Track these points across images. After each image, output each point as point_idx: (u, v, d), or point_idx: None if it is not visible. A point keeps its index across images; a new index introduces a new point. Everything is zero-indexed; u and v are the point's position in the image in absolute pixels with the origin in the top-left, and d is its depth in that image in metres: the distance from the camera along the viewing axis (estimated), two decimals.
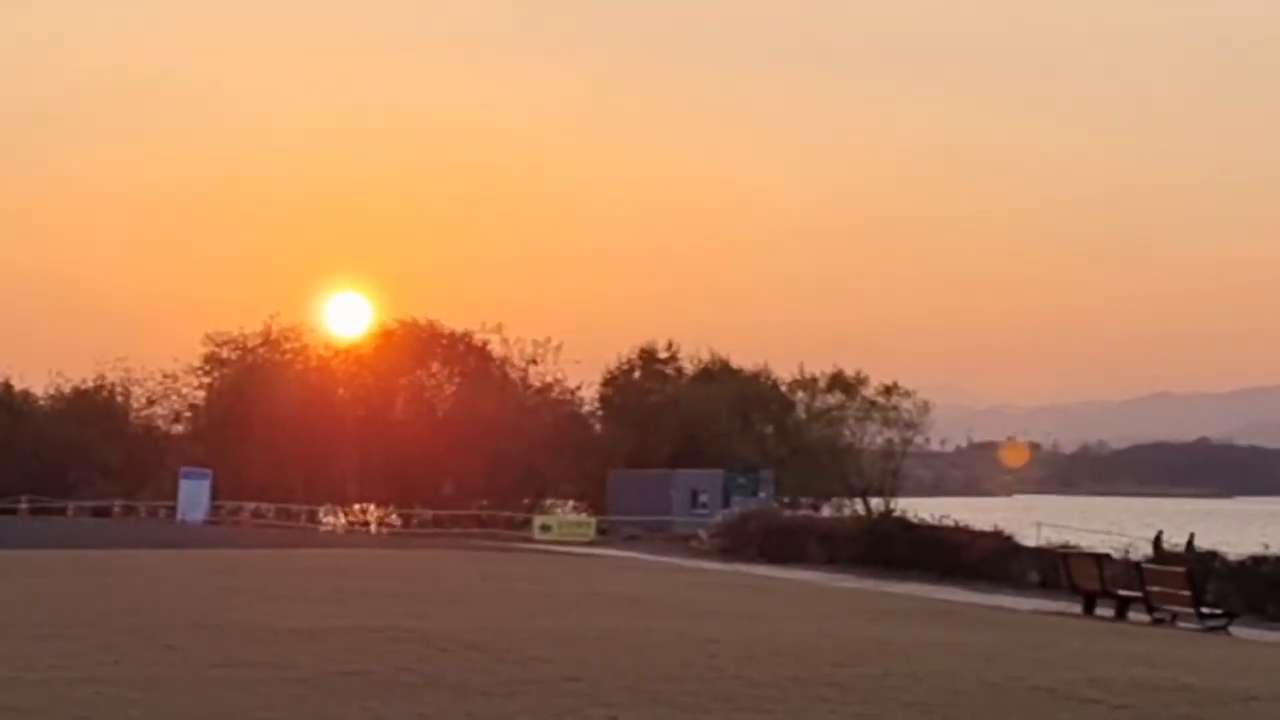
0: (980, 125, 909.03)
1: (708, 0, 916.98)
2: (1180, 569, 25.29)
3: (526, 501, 67.00)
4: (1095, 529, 50.15)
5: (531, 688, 11.23)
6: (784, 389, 76.01)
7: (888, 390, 74.46)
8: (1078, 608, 26.36)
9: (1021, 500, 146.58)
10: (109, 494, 66.20)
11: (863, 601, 25.14)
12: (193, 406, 73.52)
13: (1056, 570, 29.77)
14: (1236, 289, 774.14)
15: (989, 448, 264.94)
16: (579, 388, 73.31)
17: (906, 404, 74.61)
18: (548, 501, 69.85)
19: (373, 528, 64.99)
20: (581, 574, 29.85)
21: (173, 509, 61.31)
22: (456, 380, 71.54)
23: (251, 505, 63.10)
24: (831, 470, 71.83)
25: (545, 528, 55.51)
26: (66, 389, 74.28)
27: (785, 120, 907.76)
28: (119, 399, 74.03)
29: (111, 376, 73.60)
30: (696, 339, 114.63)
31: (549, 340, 72.30)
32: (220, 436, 68.13)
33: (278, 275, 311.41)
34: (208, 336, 72.79)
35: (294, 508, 62.97)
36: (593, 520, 58.22)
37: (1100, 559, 27.81)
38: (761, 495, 59.00)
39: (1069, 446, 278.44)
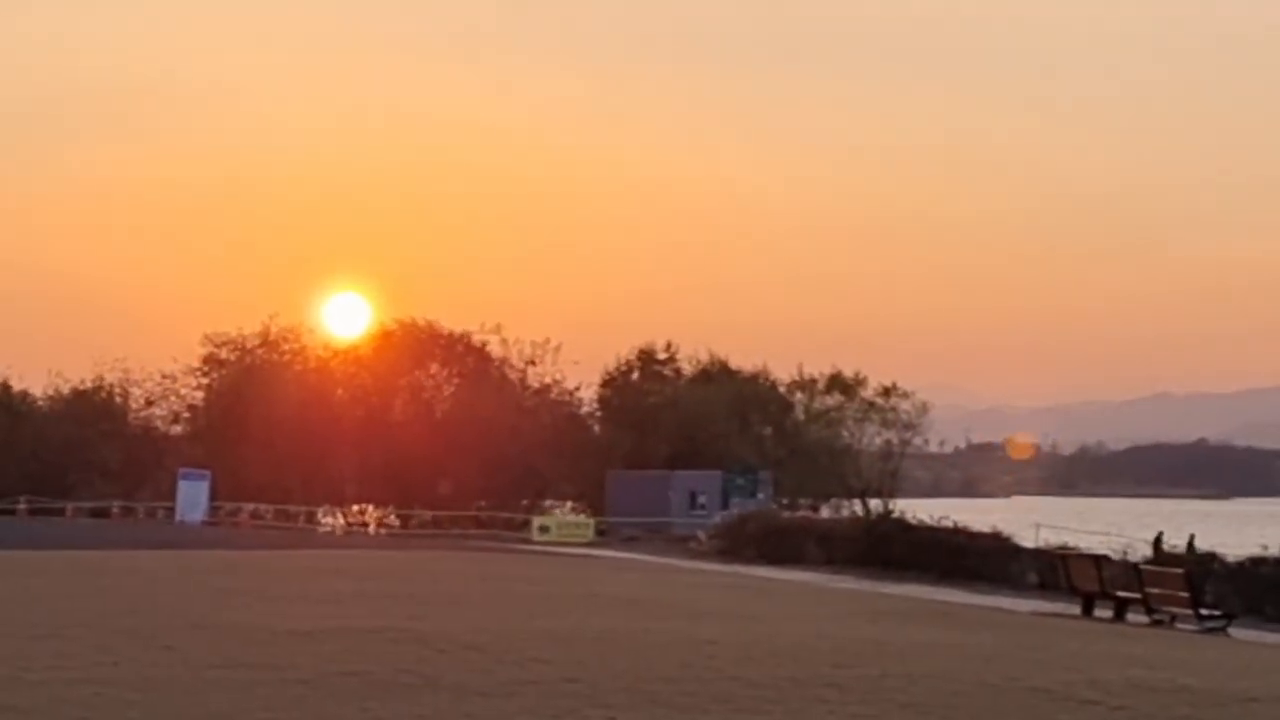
0: (980, 125, 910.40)
1: (707, 0, 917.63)
2: (1179, 570, 25.31)
3: (525, 502, 67.02)
4: (1094, 530, 50.18)
5: (530, 689, 11.23)
6: (782, 390, 76.07)
7: (886, 391, 74.53)
8: (1076, 609, 26.36)
9: (1020, 501, 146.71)
10: (107, 495, 66.18)
11: (861, 602, 25.14)
12: (191, 407, 73.54)
13: (1055, 571, 29.79)
14: (1236, 289, 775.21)
15: (988, 449, 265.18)
16: (578, 388, 73.46)
17: (905, 405, 74.75)
18: (546, 502, 69.87)
19: (371, 528, 64.96)
20: (580, 575, 29.83)
21: (171, 510, 61.29)
22: (455, 381, 71.57)
23: (250, 506, 63.09)
24: (830, 471, 71.85)
25: (544, 529, 55.51)
26: (65, 389, 74.36)
27: (785, 120, 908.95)
28: (118, 399, 74.04)
29: (110, 377, 73.71)
30: (695, 340, 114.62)
31: (548, 341, 72.45)
32: (219, 437, 68.12)
33: (276, 275, 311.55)
34: (206, 337, 72.94)
35: (292, 508, 62.98)
36: (591, 521, 58.23)
37: (1099, 560, 27.83)
38: (760, 496, 59.02)
39: (1068, 447, 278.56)
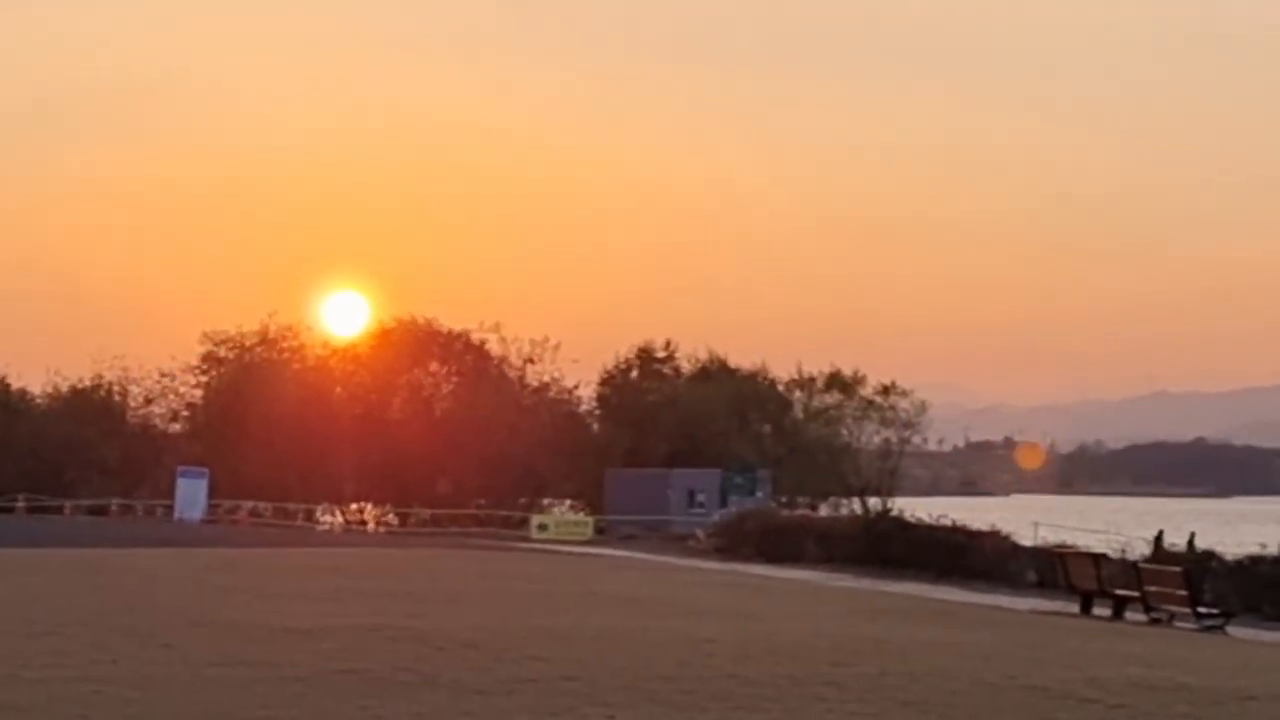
0: (980, 125, 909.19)
1: (707, 0, 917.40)
2: (1177, 569, 25.31)
3: (524, 500, 67.06)
4: (1092, 529, 50.23)
5: (529, 687, 11.22)
6: (781, 388, 76.12)
7: (885, 390, 74.58)
8: (1075, 607, 26.37)
9: (1019, 500, 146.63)
10: (106, 492, 66.21)
11: (860, 601, 25.14)
12: (190, 405, 73.57)
13: (1054, 570, 29.80)
14: (1235, 289, 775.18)
15: (986, 447, 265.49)
16: (576, 387, 73.51)
17: (904, 403, 74.83)
18: (545, 501, 69.91)
19: (370, 527, 64.98)
20: (579, 573, 29.84)
21: (170, 508, 61.32)
22: (454, 379, 71.60)
23: (249, 504, 63.08)
24: (829, 470, 71.90)
25: (542, 527, 55.53)
26: (64, 387, 74.41)
27: (785, 120, 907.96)
28: (116, 398, 74.07)
29: (109, 375, 73.77)
30: (694, 338, 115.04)
31: (547, 339, 72.50)
32: (218, 435, 68.14)
33: (275, 274, 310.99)
34: (205, 335, 73.00)
35: (291, 506, 63.01)
36: (590, 519, 58.24)
37: (1097, 559, 27.84)
38: (759, 495, 59.04)
39: (1066, 446, 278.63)
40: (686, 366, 75.62)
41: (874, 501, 61.77)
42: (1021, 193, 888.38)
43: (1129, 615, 24.96)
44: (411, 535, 55.23)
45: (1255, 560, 30.23)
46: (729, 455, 64.45)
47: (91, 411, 71.92)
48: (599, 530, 55.92)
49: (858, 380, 74.94)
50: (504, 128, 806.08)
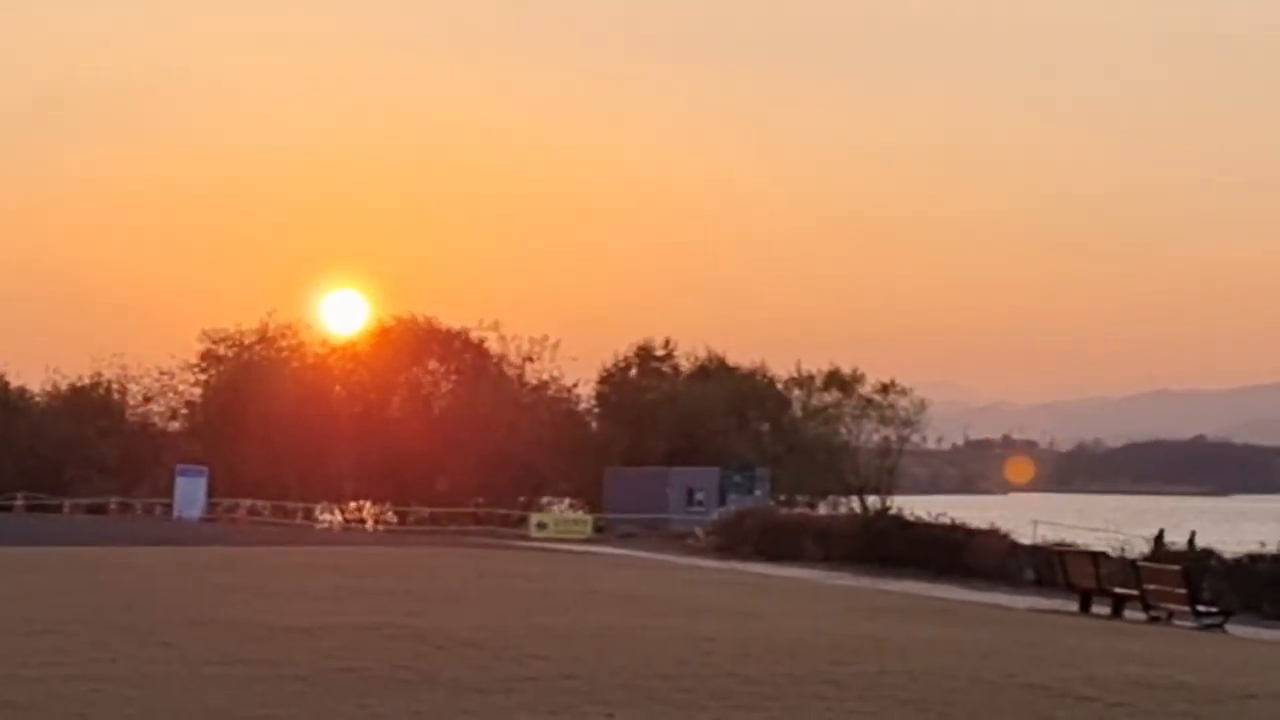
0: (980, 125, 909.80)
1: (707, 0, 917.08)
2: (1176, 567, 25.30)
3: (523, 499, 67.03)
4: (1092, 527, 50.21)
5: (528, 685, 11.21)
6: (780, 387, 76.13)
7: (884, 388, 74.59)
8: (1074, 606, 26.35)
9: (1018, 498, 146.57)
10: (105, 491, 66.20)
11: (859, 599, 25.14)
12: (189, 403, 73.59)
13: (1053, 568, 29.77)
14: (1235, 288, 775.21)
15: (986, 446, 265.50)
16: (575, 385, 73.51)
17: (903, 402, 74.84)
18: (544, 499, 69.91)
19: (369, 525, 64.99)
20: (578, 571, 29.83)
21: (169, 506, 61.33)
22: (453, 378, 71.58)
23: (248, 502, 63.07)
24: (828, 468, 71.91)
25: (541, 525, 55.51)
26: (63, 386, 74.44)
27: (784, 119, 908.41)
28: (115, 396, 74.10)
29: (108, 373, 73.82)
30: (693, 337, 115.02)
31: (546, 338, 72.49)
32: (217, 433, 68.15)
33: (275, 272, 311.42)
34: (204, 333, 73.02)
35: (290, 505, 62.99)
36: (589, 518, 58.22)
37: (1096, 557, 27.81)
38: (757, 493, 59.04)
39: (1066, 444, 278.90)
40: (685, 365, 75.66)
41: (873, 500, 61.74)
42: (1021, 193, 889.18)
43: (1128, 613, 24.94)
44: (410, 533, 55.22)
45: (1254, 559, 30.22)
46: (728, 454, 64.45)
47: (90, 410, 71.93)
48: (598, 528, 55.89)
49: (856, 379, 74.98)
50: (504, 128, 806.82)
